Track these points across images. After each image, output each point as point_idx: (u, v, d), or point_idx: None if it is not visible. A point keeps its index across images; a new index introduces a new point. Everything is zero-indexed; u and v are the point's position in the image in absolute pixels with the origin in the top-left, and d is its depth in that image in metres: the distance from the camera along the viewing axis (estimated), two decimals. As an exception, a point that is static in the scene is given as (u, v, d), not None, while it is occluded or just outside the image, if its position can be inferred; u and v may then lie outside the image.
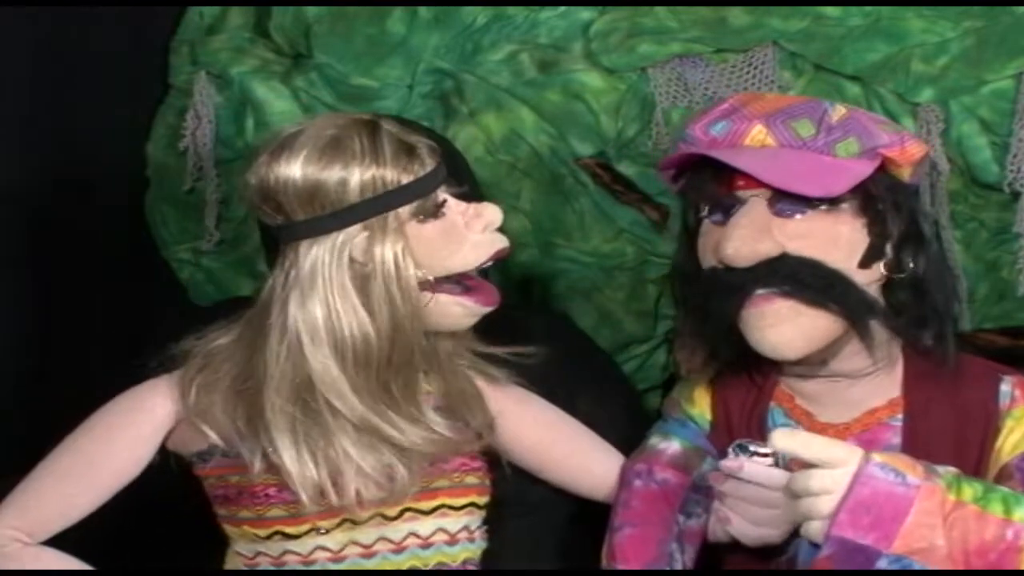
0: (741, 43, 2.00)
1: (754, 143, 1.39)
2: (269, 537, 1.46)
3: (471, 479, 1.52)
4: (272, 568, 1.48)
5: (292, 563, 1.46)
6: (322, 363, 1.41)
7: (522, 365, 1.58)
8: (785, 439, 1.21)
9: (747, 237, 1.36)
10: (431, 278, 1.43)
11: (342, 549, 1.47)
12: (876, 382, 1.44)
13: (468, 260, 1.46)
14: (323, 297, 1.41)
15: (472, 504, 1.52)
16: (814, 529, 1.20)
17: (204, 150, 2.11)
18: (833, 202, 1.38)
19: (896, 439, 1.41)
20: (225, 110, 2.13)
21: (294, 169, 1.40)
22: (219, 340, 1.50)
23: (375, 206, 1.41)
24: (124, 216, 2.16)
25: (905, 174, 1.42)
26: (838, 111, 1.41)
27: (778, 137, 1.39)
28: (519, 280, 2.07)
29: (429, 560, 1.49)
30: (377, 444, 1.43)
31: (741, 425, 1.48)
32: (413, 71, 2.07)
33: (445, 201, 1.46)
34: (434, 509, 1.49)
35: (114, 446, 1.48)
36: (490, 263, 1.49)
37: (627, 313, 2.05)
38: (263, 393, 1.42)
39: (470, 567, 1.52)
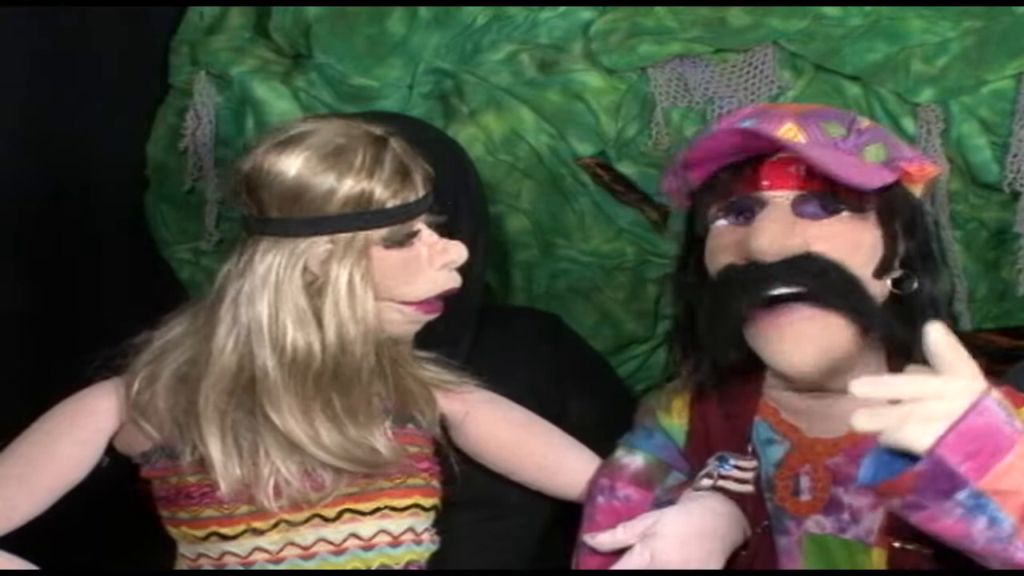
0: (741, 43, 2.00)
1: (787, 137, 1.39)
2: (206, 538, 1.46)
3: (415, 480, 1.50)
4: (212, 569, 1.47)
5: (232, 564, 1.46)
6: (263, 363, 1.41)
7: (512, 367, 1.58)
8: (938, 336, 1.14)
9: (777, 232, 1.35)
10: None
11: (280, 550, 1.45)
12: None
13: (419, 293, 1.47)
14: (271, 299, 1.41)
15: (416, 506, 1.50)
16: (916, 435, 1.12)
17: (204, 150, 2.11)
18: (856, 209, 1.37)
19: None
20: (225, 110, 2.13)
21: (290, 166, 1.41)
22: (174, 331, 1.49)
23: (350, 222, 1.41)
24: (124, 216, 2.16)
25: (918, 191, 1.43)
26: (863, 120, 1.42)
27: (810, 134, 1.38)
28: (519, 280, 2.07)
29: (371, 562, 1.47)
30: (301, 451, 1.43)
31: (722, 438, 1.45)
32: (413, 71, 2.07)
33: (419, 232, 1.46)
34: (375, 510, 1.47)
35: (55, 449, 1.47)
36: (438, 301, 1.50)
37: (627, 313, 2.05)
38: (200, 384, 1.42)
39: (414, 569, 1.50)
